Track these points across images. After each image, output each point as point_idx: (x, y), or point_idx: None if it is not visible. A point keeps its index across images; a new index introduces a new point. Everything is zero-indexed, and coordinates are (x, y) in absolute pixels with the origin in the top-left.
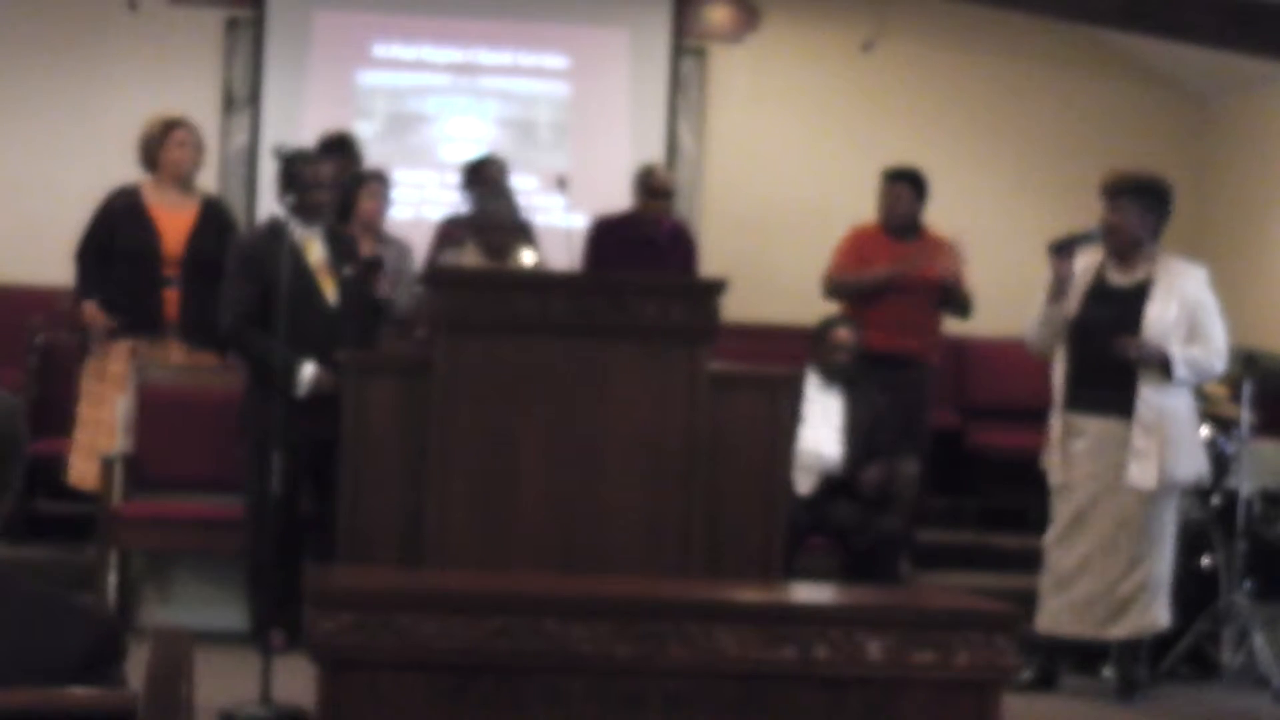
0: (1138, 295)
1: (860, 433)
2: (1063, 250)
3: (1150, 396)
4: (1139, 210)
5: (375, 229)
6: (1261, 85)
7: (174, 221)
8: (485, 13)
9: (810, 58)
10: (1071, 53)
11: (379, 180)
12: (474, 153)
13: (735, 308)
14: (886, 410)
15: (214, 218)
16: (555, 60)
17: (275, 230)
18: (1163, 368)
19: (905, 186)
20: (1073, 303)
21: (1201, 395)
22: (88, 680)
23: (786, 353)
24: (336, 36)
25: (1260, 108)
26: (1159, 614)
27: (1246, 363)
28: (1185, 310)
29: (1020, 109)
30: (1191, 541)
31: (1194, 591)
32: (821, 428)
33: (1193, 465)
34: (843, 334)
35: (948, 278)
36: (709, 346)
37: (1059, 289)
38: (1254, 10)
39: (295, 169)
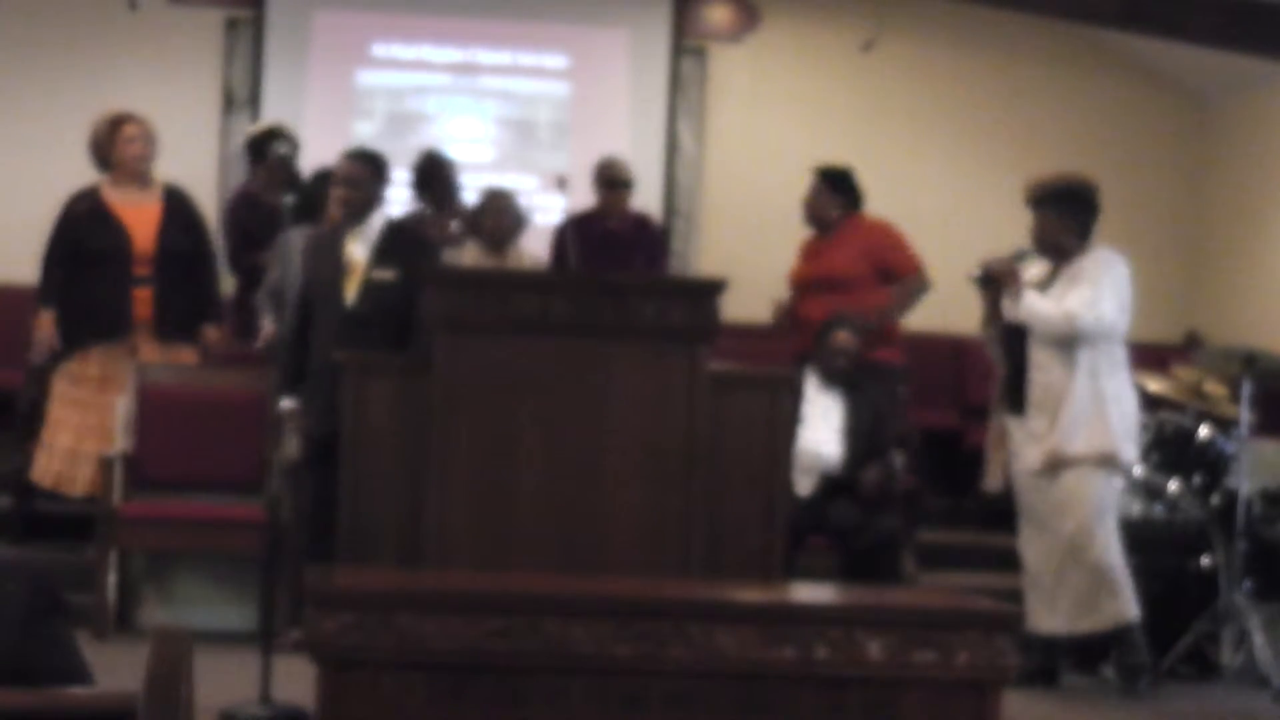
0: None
1: (860, 433)
2: (986, 282)
3: (1041, 380)
4: (1058, 215)
5: None
6: (1261, 85)
7: (140, 218)
8: (485, 13)
9: (810, 58)
10: (1071, 53)
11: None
12: (473, 153)
13: (735, 308)
14: (887, 411)
15: (178, 208)
16: (555, 60)
17: (333, 228)
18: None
19: (818, 182)
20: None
21: (1201, 395)
22: (30, 634)
23: (786, 353)
24: (336, 36)
25: (1260, 108)
26: (1121, 607)
27: (1246, 363)
28: (1068, 279)
29: (1020, 109)
30: (1191, 541)
31: (1194, 591)
32: (821, 428)
33: (1093, 440)
34: (842, 337)
35: (850, 320)
36: (709, 346)
37: (991, 315)
38: (1254, 10)
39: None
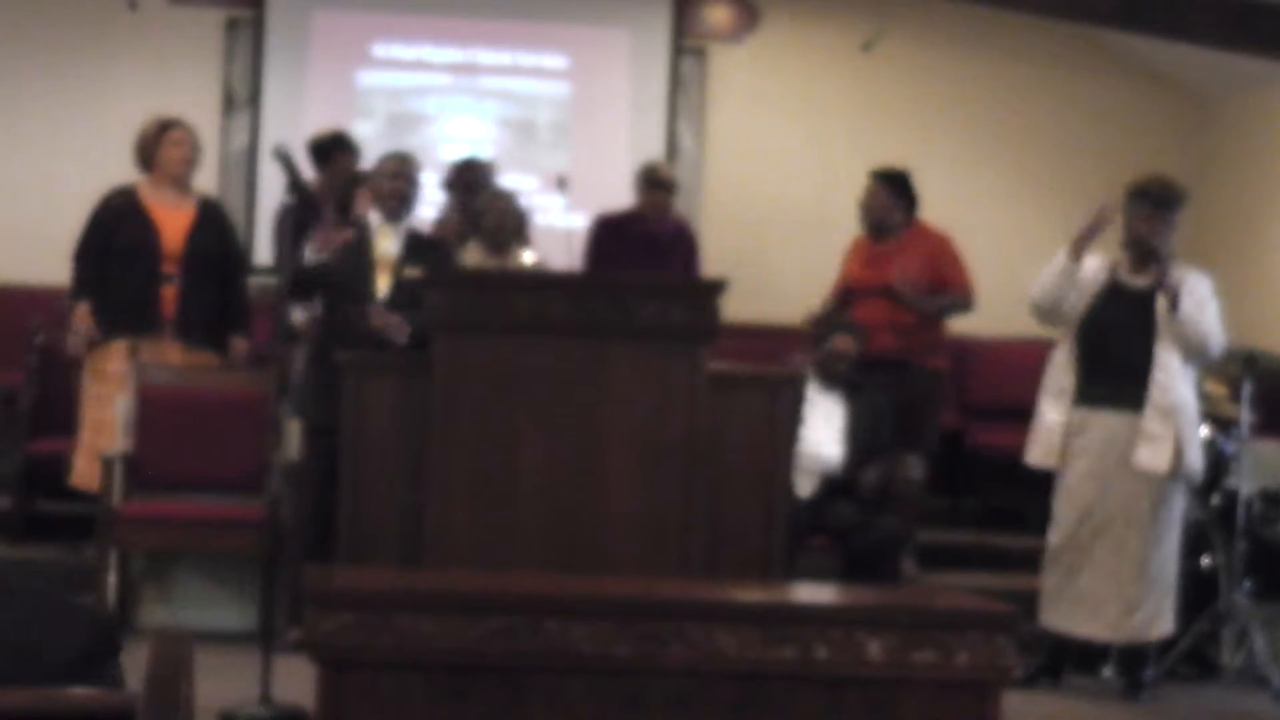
0: (1150, 296)
1: (860, 434)
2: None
3: (1165, 382)
4: (1178, 223)
5: None
6: (1261, 85)
7: (173, 219)
8: (485, 13)
9: (810, 58)
10: (1071, 53)
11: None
12: (471, 152)
13: (735, 308)
14: (887, 411)
15: (212, 218)
16: (555, 60)
17: (361, 226)
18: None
19: (880, 186)
20: (1085, 301)
21: (1202, 395)
22: (85, 677)
23: (786, 353)
24: (336, 36)
25: (1260, 108)
26: (1166, 621)
27: (1246, 363)
28: (1188, 296)
29: (1020, 109)
30: (1191, 542)
31: (1194, 591)
32: (822, 429)
33: (1198, 459)
34: (842, 343)
35: (897, 285)
36: (709, 346)
37: (1088, 238)
38: (1254, 10)
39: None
